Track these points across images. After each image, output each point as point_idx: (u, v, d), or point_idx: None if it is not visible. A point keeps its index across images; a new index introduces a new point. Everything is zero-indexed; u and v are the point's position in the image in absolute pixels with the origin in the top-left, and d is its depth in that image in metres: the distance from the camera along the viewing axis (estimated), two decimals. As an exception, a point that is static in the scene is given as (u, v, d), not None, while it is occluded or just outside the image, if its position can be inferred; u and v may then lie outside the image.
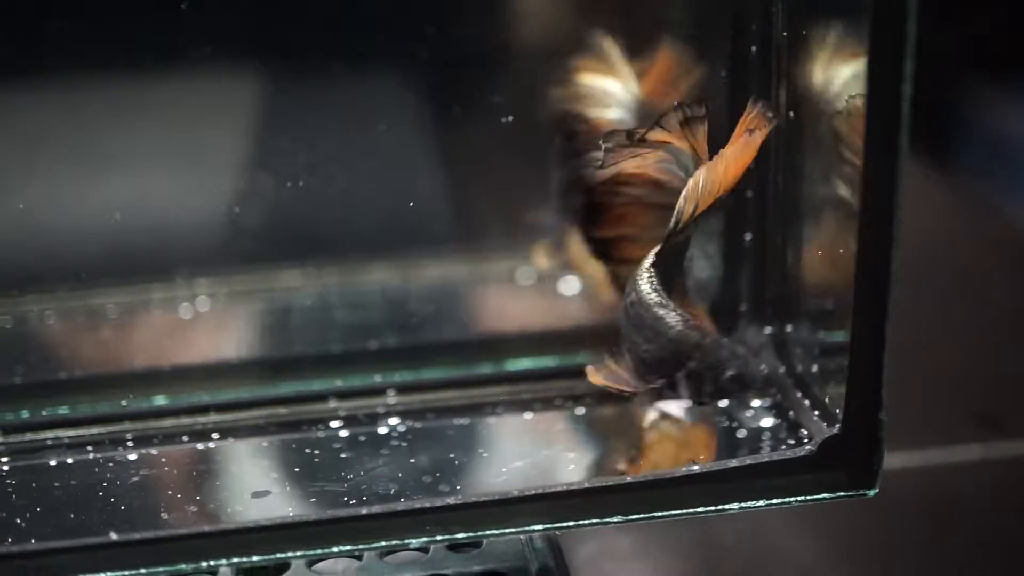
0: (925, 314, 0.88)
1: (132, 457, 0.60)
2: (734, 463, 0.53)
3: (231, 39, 0.64)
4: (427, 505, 0.53)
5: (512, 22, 0.67)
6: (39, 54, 0.64)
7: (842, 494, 0.54)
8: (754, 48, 0.60)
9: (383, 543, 0.53)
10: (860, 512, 0.69)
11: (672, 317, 0.55)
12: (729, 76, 0.61)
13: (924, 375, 0.82)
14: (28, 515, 0.55)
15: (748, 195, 0.62)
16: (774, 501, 0.54)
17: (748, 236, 0.63)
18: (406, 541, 0.53)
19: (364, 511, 0.53)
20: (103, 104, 0.66)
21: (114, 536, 0.52)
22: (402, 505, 0.53)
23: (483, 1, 0.65)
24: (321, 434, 0.62)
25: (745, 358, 0.59)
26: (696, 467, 0.53)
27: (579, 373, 0.61)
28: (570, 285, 0.68)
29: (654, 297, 0.55)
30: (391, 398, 0.64)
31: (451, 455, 0.59)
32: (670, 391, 0.59)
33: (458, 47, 0.66)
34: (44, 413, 0.63)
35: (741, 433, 0.59)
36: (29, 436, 0.62)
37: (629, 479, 0.53)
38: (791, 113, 0.59)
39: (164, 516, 0.55)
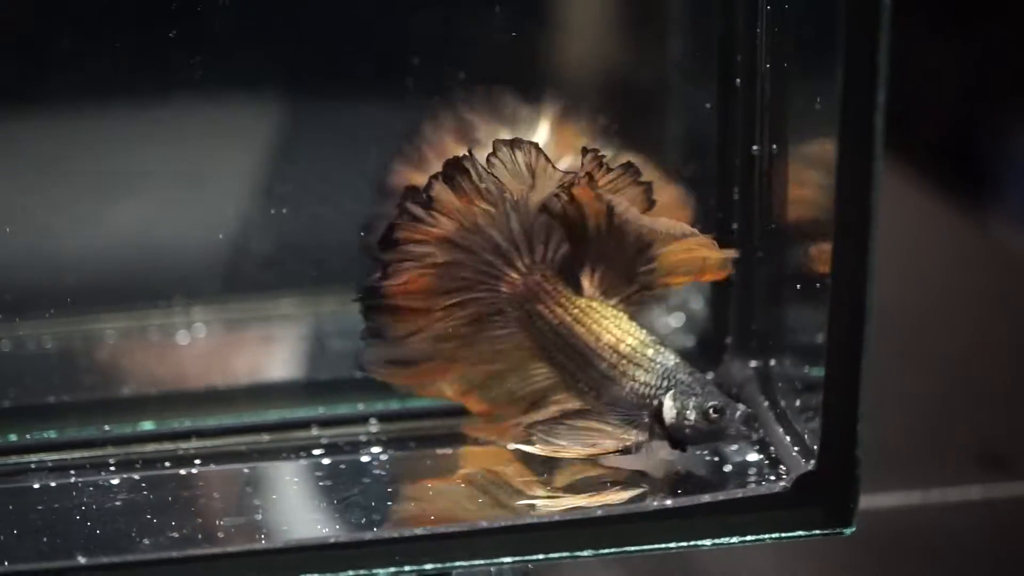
0: (931, 352, 0.86)
1: (114, 481, 0.60)
2: (707, 498, 0.53)
3: (234, 67, 0.65)
4: (396, 535, 0.52)
5: (509, 53, 0.67)
6: (42, 79, 0.65)
7: (817, 532, 0.53)
8: (739, 80, 0.60)
9: (351, 572, 0.52)
10: (859, 551, 0.68)
11: (669, 352, 0.57)
12: (716, 107, 0.61)
13: (928, 414, 0.81)
14: (2, 537, 0.56)
15: (733, 227, 0.62)
16: (747, 538, 0.53)
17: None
18: (374, 571, 0.52)
19: (332, 540, 0.53)
20: (104, 128, 0.66)
21: (81, 560, 0.52)
22: (370, 534, 0.53)
23: (479, 32, 0.66)
24: (302, 462, 0.62)
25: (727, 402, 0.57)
26: (669, 502, 0.53)
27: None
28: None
29: (648, 336, 0.57)
30: (373, 427, 0.63)
31: (430, 486, 0.59)
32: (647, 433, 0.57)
33: (454, 77, 0.66)
34: (30, 437, 0.63)
35: (724, 468, 0.59)
36: (14, 459, 0.62)
37: (600, 512, 0.52)
38: (774, 145, 0.58)
39: (139, 541, 0.55)
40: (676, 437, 0.57)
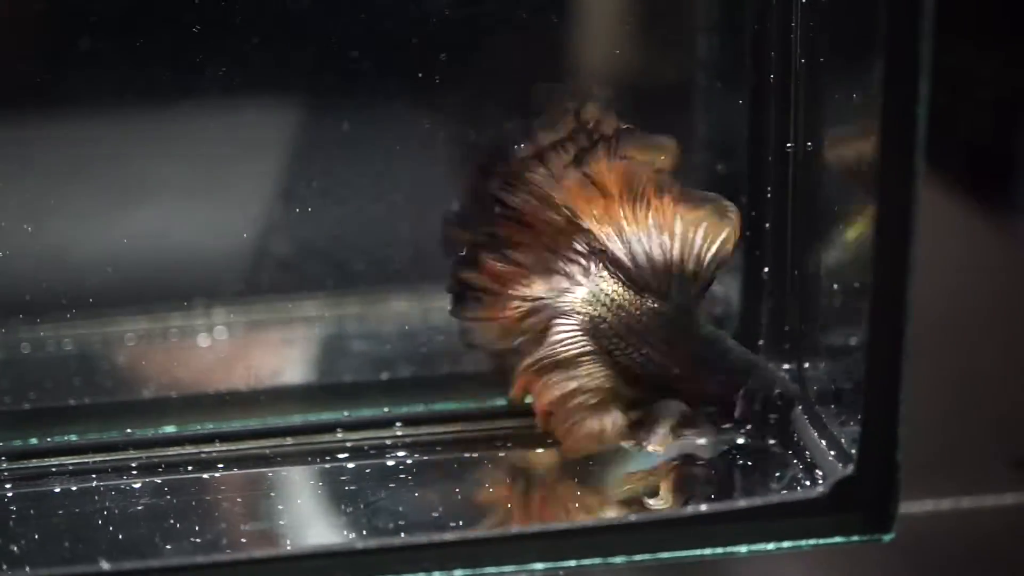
0: (962, 358, 0.85)
1: (136, 485, 0.59)
2: (743, 504, 0.51)
3: (253, 70, 0.64)
4: (424, 540, 0.51)
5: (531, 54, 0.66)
6: (64, 84, 0.64)
7: (856, 538, 0.52)
8: (773, 76, 0.58)
9: (379, 579, 0.51)
10: (893, 558, 0.67)
11: (734, 344, 0.59)
12: (749, 104, 0.60)
13: (960, 420, 0.80)
14: (24, 542, 0.55)
15: (767, 226, 0.60)
16: (784, 544, 0.52)
17: (766, 270, 0.61)
18: (402, 577, 0.51)
19: (360, 545, 0.52)
20: (125, 133, 0.66)
21: (105, 565, 0.51)
22: (399, 540, 0.52)
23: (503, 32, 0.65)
24: (327, 466, 0.61)
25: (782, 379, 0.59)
26: (704, 507, 0.52)
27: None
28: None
29: (715, 331, 0.59)
30: (399, 430, 0.62)
31: (457, 490, 0.58)
32: (725, 417, 0.59)
33: (479, 80, 0.65)
34: (51, 440, 0.62)
35: (757, 473, 0.58)
36: (35, 462, 0.61)
37: (634, 518, 0.51)
38: (809, 144, 0.57)
39: (161, 546, 0.54)
40: (744, 424, 0.59)
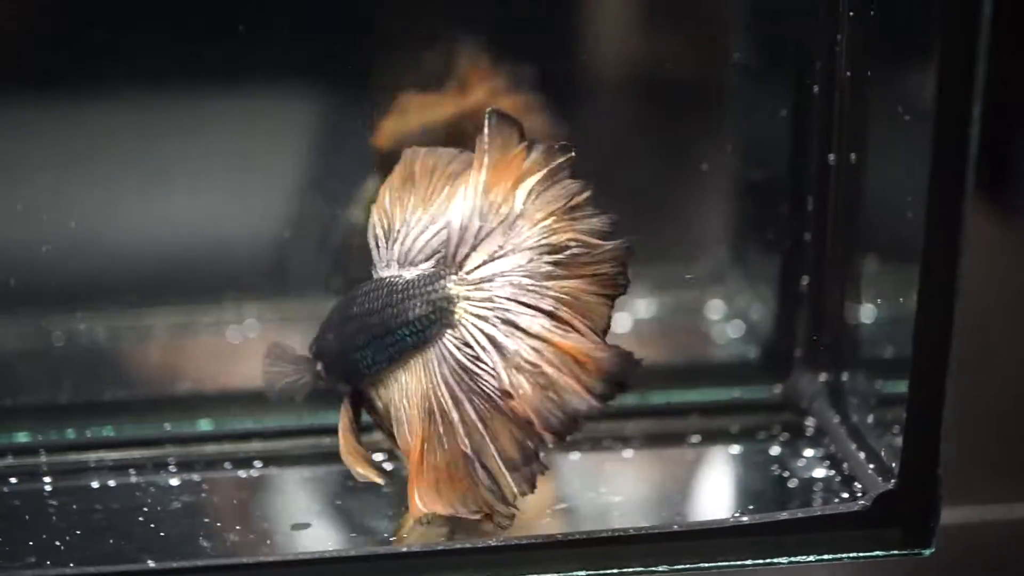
0: (989, 363, 0.85)
1: (174, 482, 0.60)
2: (785, 515, 0.52)
3: (290, 61, 0.64)
4: (465, 546, 0.52)
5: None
6: (97, 74, 0.64)
7: (896, 552, 0.52)
8: (817, 87, 0.59)
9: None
10: (924, 568, 0.67)
11: None
12: (791, 114, 0.60)
13: (985, 428, 0.80)
14: (68, 538, 0.55)
15: (806, 238, 0.61)
16: (825, 556, 0.52)
17: (805, 280, 0.61)
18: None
19: (404, 549, 0.52)
20: (161, 123, 0.65)
21: (151, 564, 0.51)
22: (439, 545, 0.52)
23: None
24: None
25: None
26: (746, 518, 0.52)
27: (629, 415, 0.60)
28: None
29: None
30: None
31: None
32: None
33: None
34: (88, 434, 0.62)
35: (792, 483, 0.58)
36: (73, 456, 0.62)
37: (676, 527, 0.52)
38: (853, 155, 0.57)
39: (202, 544, 0.55)
40: None
